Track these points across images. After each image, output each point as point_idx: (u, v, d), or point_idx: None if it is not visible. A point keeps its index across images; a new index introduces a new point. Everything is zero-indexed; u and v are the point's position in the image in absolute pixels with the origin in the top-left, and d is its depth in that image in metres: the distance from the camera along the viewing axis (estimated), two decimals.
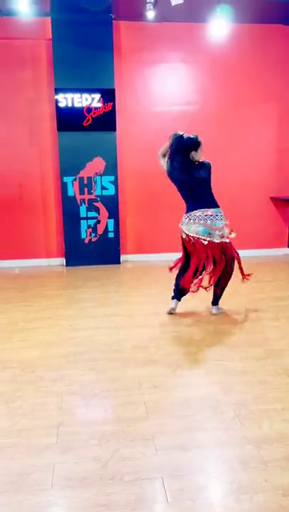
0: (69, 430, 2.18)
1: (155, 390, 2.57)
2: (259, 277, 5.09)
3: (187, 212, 3.61)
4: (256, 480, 1.81)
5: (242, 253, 6.24)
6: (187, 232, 3.58)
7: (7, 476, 1.87)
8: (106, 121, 5.58)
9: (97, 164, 5.72)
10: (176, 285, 3.80)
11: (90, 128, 5.57)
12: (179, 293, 3.83)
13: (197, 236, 3.54)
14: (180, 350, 3.15)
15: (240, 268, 3.81)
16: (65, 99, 5.46)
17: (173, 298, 3.85)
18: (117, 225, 5.91)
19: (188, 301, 4.03)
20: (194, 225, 3.55)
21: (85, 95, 5.48)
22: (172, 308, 3.83)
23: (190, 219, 3.57)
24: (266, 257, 6.20)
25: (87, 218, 5.85)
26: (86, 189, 5.77)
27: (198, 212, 3.55)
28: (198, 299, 4.12)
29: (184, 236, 3.63)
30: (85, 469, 1.90)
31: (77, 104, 5.48)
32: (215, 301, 3.86)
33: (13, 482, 1.83)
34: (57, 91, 5.44)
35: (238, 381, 2.65)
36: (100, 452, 2.00)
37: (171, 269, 3.87)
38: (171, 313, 3.84)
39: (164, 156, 3.64)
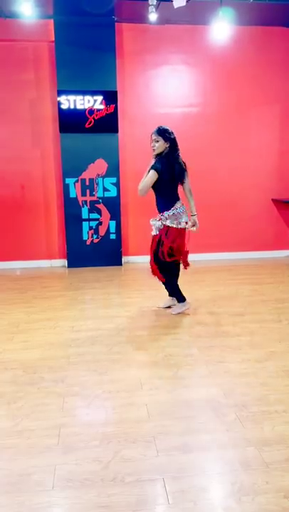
0: (70, 431, 2.18)
1: (156, 391, 2.57)
2: (260, 279, 5.09)
3: (175, 209, 3.74)
4: (258, 482, 1.81)
5: (243, 255, 6.38)
6: (179, 226, 3.73)
7: (8, 476, 1.87)
8: (108, 123, 5.59)
9: (99, 166, 5.73)
10: (176, 291, 3.89)
11: (92, 130, 5.58)
12: (180, 292, 3.89)
13: (186, 226, 3.77)
14: (181, 351, 3.15)
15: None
16: (68, 101, 5.47)
17: (182, 300, 3.91)
18: (118, 226, 5.92)
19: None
20: (183, 217, 3.76)
21: (88, 97, 5.49)
22: (187, 308, 3.92)
23: (181, 214, 3.74)
24: (267, 259, 6.20)
25: (89, 220, 5.86)
26: (88, 191, 5.77)
27: (179, 204, 3.76)
28: (199, 300, 4.12)
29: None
30: (86, 470, 1.90)
31: (79, 106, 5.50)
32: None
33: (14, 483, 1.83)
34: (59, 93, 5.45)
35: (240, 383, 2.65)
36: (101, 453, 2.00)
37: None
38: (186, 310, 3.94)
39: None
